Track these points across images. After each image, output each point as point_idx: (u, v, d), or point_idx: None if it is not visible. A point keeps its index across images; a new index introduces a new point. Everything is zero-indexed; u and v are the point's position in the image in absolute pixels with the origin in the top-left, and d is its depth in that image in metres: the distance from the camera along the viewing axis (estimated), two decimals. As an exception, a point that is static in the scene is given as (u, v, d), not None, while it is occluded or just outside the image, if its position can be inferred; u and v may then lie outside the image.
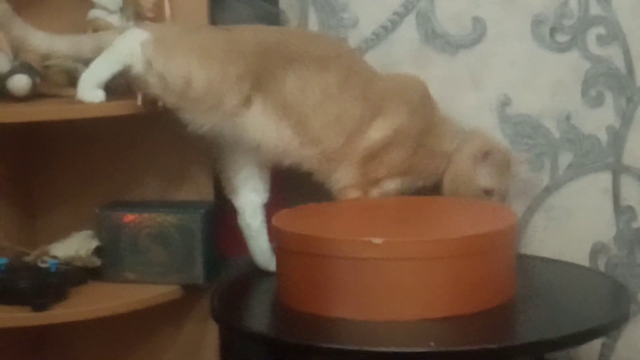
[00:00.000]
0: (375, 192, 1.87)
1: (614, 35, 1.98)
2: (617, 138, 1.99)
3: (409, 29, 2.02)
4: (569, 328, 1.62)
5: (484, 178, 1.87)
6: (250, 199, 1.90)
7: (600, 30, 1.99)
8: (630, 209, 2.02)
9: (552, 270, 1.88)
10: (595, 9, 1.98)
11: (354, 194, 1.85)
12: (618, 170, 2.01)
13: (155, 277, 1.89)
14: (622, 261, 2.03)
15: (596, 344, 2.04)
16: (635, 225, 2.02)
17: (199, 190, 1.97)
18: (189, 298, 1.92)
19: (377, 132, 1.85)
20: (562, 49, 2.00)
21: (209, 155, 1.94)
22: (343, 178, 1.85)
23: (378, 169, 1.86)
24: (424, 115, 1.90)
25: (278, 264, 1.72)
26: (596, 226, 2.02)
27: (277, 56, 1.80)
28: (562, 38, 2.00)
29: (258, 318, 1.70)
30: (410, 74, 1.96)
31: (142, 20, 1.90)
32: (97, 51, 1.80)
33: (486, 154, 1.87)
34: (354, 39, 2.03)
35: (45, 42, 1.81)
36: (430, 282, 1.59)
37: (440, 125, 1.92)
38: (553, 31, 2.00)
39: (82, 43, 1.83)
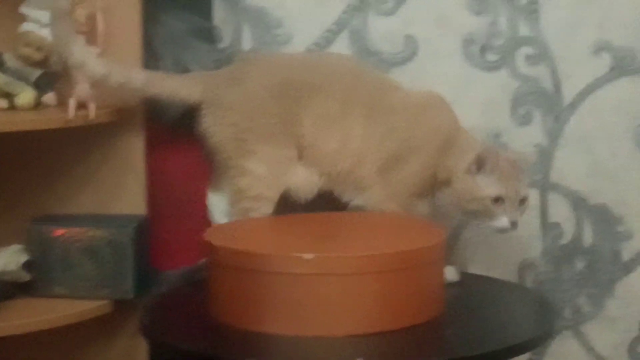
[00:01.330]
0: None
1: (542, 55, 2.02)
2: (545, 156, 2.03)
3: (342, 46, 2.04)
4: (495, 344, 1.64)
5: (487, 187, 1.78)
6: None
7: (529, 50, 2.02)
8: (557, 225, 2.06)
9: (480, 286, 1.90)
10: (524, 30, 2.02)
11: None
12: (546, 187, 2.05)
13: (86, 292, 1.88)
14: (549, 277, 2.07)
15: (523, 359, 2.07)
16: (562, 241, 2.06)
17: (132, 204, 1.96)
18: (119, 313, 1.91)
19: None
20: (491, 68, 2.03)
21: (141, 168, 1.94)
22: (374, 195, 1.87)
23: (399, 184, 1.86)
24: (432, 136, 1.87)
25: (209, 279, 1.72)
26: (524, 243, 2.05)
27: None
28: (492, 57, 2.03)
29: (188, 333, 1.69)
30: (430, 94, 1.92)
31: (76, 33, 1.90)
32: (146, 88, 1.87)
33: (479, 163, 1.78)
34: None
35: (103, 69, 1.85)
36: (360, 297, 1.61)
37: (459, 143, 1.86)
38: (483, 50, 2.03)
39: (134, 75, 1.87)
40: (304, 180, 1.87)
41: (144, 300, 1.85)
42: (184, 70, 1.98)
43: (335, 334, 1.59)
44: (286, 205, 1.87)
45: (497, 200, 1.78)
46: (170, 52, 1.99)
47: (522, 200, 1.80)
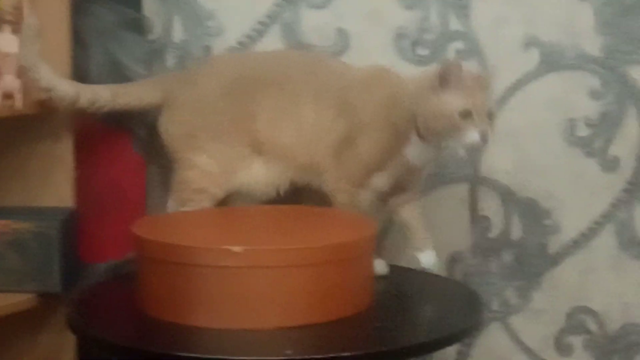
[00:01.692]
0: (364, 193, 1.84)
1: (472, 50, 2.04)
2: (474, 150, 2.04)
3: (274, 39, 2.04)
4: (423, 336, 1.66)
5: (454, 102, 1.72)
6: None
7: (459, 45, 2.04)
8: (486, 219, 2.08)
9: (410, 278, 1.91)
10: (455, 25, 2.03)
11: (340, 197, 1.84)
12: (475, 181, 2.06)
13: (11, 285, 1.85)
14: (478, 270, 2.09)
15: (451, 351, 2.10)
16: (490, 235, 2.08)
17: (59, 197, 1.94)
18: (45, 307, 1.89)
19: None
20: (423, 62, 2.04)
21: (69, 161, 1.92)
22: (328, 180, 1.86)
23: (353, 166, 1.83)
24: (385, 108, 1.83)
25: (138, 272, 1.71)
26: (454, 235, 2.07)
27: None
28: (423, 52, 2.04)
29: (116, 327, 1.67)
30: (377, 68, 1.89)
31: (1, 23, 1.87)
32: (113, 103, 1.87)
33: (442, 77, 1.72)
34: (219, 48, 2.04)
35: (72, 90, 1.85)
36: (289, 290, 1.61)
37: (401, 96, 1.81)
38: (414, 45, 2.04)
39: (100, 92, 1.87)
40: (262, 177, 1.87)
41: (72, 294, 1.83)
42: (113, 61, 1.96)
43: (265, 327, 1.59)
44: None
45: (466, 114, 1.72)
46: (99, 44, 1.97)
47: (491, 115, 1.76)
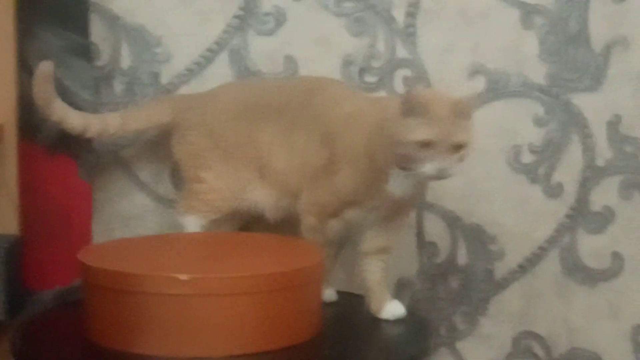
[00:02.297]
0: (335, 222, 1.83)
1: (420, 77, 2.05)
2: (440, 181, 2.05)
3: (222, 66, 2.04)
4: (371, 362, 1.67)
5: (414, 131, 1.64)
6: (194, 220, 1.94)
7: (407, 72, 2.06)
8: (433, 244, 2.09)
9: (358, 305, 1.91)
10: (401, 52, 2.05)
11: (308, 220, 1.83)
12: (422, 206, 2.08)
13: (-45, 314, 1.84)
14: (425, 295, 2.10)
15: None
16: (437, 260, 2.10)
17: (3, 223, 1.92)
18: (-10, 335, 1.87)
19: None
20: (370, 89, 2.06)
21: (13, 187, 1.90)
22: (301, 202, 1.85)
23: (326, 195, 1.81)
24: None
25: (84, 300, 1.69)
26: (401, 261, 2.08)
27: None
28: (370, 79, 2.06)
29: (62, 355, 1.65)
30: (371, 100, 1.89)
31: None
32: (123, 128, 1.93)
33: (404, 104, 1.65)
34: (167, 75, 2.03)
35: (81, 122, 1.90)
36: (237, 318, 1.60)
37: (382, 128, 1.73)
38: (362, 72, 2.06)
39: (110, 120, 1.93)
40: (265, 200, 1.89)
41: (17, 322, 1.81)
42: (60, 87, 1.94)
43: (213, 355, 1.59)
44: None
45: (425, 145, 1.65)
46: (46, 69, 1.95)
47: (459, 147, 1.66)
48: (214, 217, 1.92)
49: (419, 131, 1.64)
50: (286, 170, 1.87)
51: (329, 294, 1.86)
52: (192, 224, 1.92)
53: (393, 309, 1.81)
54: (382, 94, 2.05)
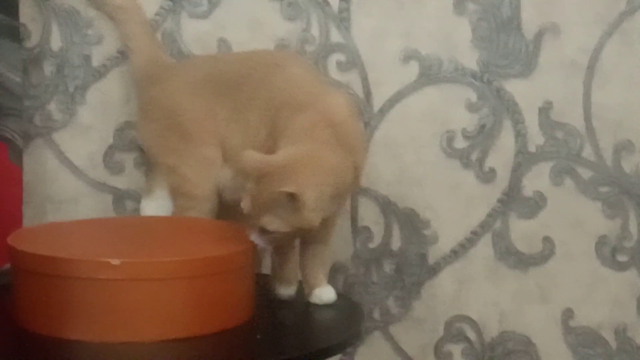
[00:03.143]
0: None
1: (353, 62, 2.06)
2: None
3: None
4: (306, 347, 1.67)
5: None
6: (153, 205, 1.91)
7: (340, 56, 2.06)
8: (367, 229, 2.10)
9: (291, 289, 1.92)
10: (335, 37, 2.05)
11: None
12: (356, 191, 2.08)
13: None
14: (359, 280, 2.11)
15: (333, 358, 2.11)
16: (371, 245, 2.11)
17: None
18: None
19: None
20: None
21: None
22: None
23: None
24: None
25: (13, 284, 1.67)
26: (335, 246, 2.08)
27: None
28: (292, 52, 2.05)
29: (-10, 341, 1.64)
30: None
31: None
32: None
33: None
34: (98, 57, 2.01)
35: None
36: (169, 302, 1.59)
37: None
38: (296, 56, 2.05)
39: None
40: (223, 179, 1.85)
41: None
42: (-11, 69, 1.92)
43: (144, 340, 1.58)
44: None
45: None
46: (-27, 50, 1.92)
47: (262, 229, 1.66)
48: (205, 207, 1.86)
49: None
50: (240, 149, 1.77)
51: (329, 294, 1.81)
52: None
53: (323, 294, 1.81)
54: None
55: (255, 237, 1.67)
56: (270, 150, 1.72)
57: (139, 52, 1.95)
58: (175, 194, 1.90)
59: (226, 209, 1.88)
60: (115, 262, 1.57)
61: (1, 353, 1.59)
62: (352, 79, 2.06)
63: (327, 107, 1.74)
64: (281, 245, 1.76)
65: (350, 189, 1.80)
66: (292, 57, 1.95)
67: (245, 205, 1.66)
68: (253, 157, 1.66)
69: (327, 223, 1.75)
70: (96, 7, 1.98)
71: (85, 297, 1.58)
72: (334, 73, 2.05)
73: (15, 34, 1.93)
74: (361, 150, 1.79)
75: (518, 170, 2.10)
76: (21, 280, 1.65)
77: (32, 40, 1.99)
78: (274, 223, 1.65)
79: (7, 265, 1.75)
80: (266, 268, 1.88)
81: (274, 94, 1.80)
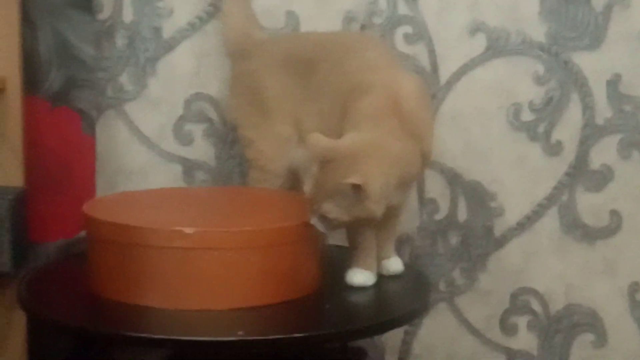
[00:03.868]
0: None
1: (420, 34, 2.06)
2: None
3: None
4: (373, 317, 1.69)
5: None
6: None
7: (408, 29, 2.06)
8: (433, 201, 2.11)
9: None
10: (403, 9, 2.06)
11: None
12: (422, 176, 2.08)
13: (-40, 265, 1.85)
14: (425, 251, 2.12)
15: (399, 331, 2.13)
16: (437, 217, 2.11)
17: (7, 176, 1.93)
18: (-5, 286, 1.89)
19: None
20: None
21: (17, 141, 1.91)
22: None
23: None
24: None
25: (89, 253, 1.71)
26: (402, 218, 2.08)
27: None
28: (371, 35, 2.06)
29: (67, 306, 1.67)
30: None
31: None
32: None
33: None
34: (169, 29, 2.04)
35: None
36: (240, 271, 1.62)
37: None
38: (363, 28, 2.06)
39: None
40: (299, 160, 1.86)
41: (23, 273, 1.83)
42: (62, 41, 1.95)
43: (216, 308, 1.61)
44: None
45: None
46: (48, 23, 1.96)
47: (322, 216, 1.65)
48: (277, 183, 1.89)
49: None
50: (313, 131, 1.74)
51: (397, 264, 1.83)
52: None
53: (391, 265, 1.83)
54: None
55: (315, 221, 1.67)
56: (341, 135, 1.71)
57: (231, 28, 1.97)
58: (251, 166, 1.92)
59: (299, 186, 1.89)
60: (188, 230, 1.60)
61: (77, 319, 1.64)
62: (419, 51, 2.06)
63: (396, 93, 1.73)
64: (353, 229, 1.75)
65: (417, 177, 1.79)
66: (369, 40, 1.94)
67: (308, 189, 1.67)
68: (319, 141, 1.66)
69: (393, 206, 1.74)
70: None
71: (158, 265, 1.61)
72: (401, 45, 2.06)
73: (88, 6, 1.97)
74: (429, 137, 1.76)
75: (585, 144, 2.09)
76: (96, 248, 1.69)
77: (105, 13, 2.02)
78: (335, 211, 1.65)
79: (82, 233, 1.79)
80: (335, 239, 1.90)
81: (345, 77, 1.79)
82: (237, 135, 1.97)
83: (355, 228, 1.75)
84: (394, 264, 1.82)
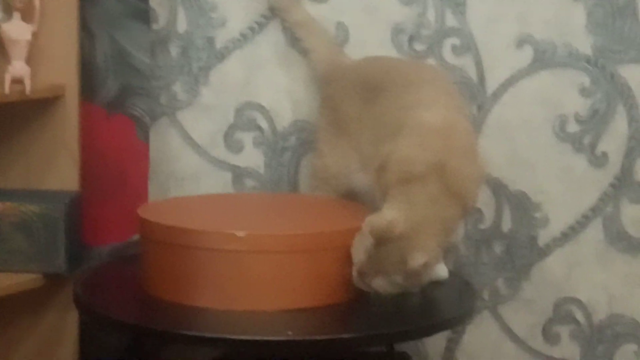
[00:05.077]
0: None
1: (468, 46, 2.09)
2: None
3: (274, 32, 2.08)
4: (418, 321, 1.72)
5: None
6: None
7: (455, 41, 2.09)
8: (478, 210, 2.13)
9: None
10: (450, 21, 2.09)
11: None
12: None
13: (17, 265, 1.90)
14: (470, 260, 2.14)
15: (442, 339, 2.15)
16: (482, 226, 2.14)
17: (63, 180, 1.98)
18: (50, 287, 1.94)
19: None
20: (419, 57, 2.09)
21: (74, 146, 1.96)
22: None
23: None
24: None
25: (143, 254, 1.76)
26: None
27: None
28: (419, 47, 2.09)
29: (121, 305, 1.72)
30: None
31: (11, 10, 1.92)
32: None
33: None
34: (221, 39, 2.08)
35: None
36: (290, 274, 1.66)
37: None
38: (411, 40, 2.09)
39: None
40: (360, 183, 1.91)
41: (78, 274, 1.88)
42: (119, 50, 2.01)
43: (266, 309, 1.65)
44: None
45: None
46: (105, 32, 2.02)
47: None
48: (332, 194, 1.95)
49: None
50: (370, 159, 1.86)
51: (442, 270, 1.87)
52: None
53: (436, 270, 1.85)
54: (431, 62, 2.08)
55: (358, 282, 1.70)
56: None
57: (317, 60, 2.04)
58: (314, 175, 1.99)
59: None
60: (240, 234, 1.64)
61: (131, 316, 1.69)
62: (466, 62, 2.09)
63: (442, 147, 1.77)
64: None
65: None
66: (433, 73, 1.99)
67: (359, 263, 1.69)
68: (376, 223, 1.68)
69: None
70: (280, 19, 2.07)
71: (211, 266, 1.66)
72: (449, 57, 2.09)
73: (145, 16, 2.03)
74: (473, 195, 1.81)
75: (631, 156, 2.10)
76: (150, 250, 1.73)
77: (160, 23, 2.07)
78: (386, 287, 1.71)
79: (136, 236, 1.84)
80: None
81: (400, 112, 1.84)
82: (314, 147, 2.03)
83: None
84: (440, 270, 1.85)
